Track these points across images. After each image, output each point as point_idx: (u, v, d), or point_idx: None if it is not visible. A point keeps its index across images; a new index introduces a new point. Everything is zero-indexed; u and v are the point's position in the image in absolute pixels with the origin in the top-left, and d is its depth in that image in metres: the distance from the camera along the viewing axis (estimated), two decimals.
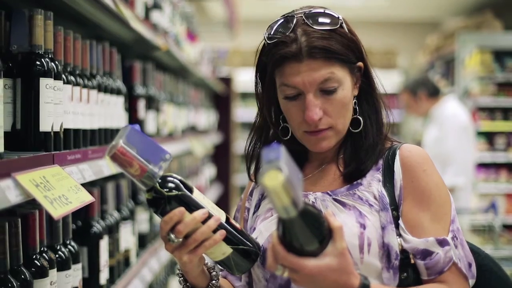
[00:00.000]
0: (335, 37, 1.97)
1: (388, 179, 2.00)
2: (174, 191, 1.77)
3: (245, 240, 1.86)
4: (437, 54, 10.84)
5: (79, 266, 2.47)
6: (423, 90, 6.84)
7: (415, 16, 14.75)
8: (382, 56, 13.56)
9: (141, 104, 3.67)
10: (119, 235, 3.10)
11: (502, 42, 9.42)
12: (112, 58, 3.05)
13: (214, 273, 2.01)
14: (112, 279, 3.00)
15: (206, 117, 7.42)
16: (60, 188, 1.93)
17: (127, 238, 3.25)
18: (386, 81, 12.92)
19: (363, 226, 1.93)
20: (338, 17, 2.01)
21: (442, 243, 1.93)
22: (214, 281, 2.00)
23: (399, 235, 1.95)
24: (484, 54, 9.29)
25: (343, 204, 1.99)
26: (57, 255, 2.30)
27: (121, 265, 3.15)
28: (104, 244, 2.80)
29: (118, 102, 3.04)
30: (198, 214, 1.80)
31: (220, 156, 9.01)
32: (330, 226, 1.70)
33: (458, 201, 6.58)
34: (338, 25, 1.99)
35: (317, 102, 1.97)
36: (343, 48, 1.98)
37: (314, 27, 1.97)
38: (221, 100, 9.20)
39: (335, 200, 2.01)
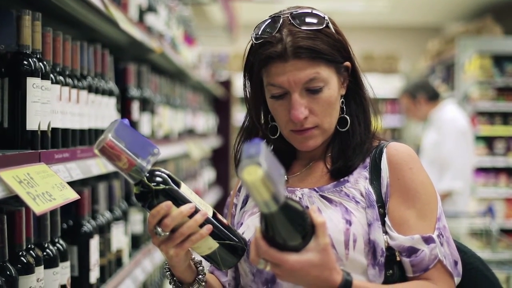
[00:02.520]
0: (321, 37, 2.00)
1: (375, 177, 2.02)
2: (161, 185, 1.78)
3: (231, 236, 1.87)
4: (438, 59, 10.87)
5: (67, 264, 2.49)
6: (423, 94, 6.85)
7: (417, 21, 14.78)
8: (383, 61, 13.59)
9: (135, 106, 3.70)
10: (110, 235, 3.12)
11: (502, 47, 9.44)
12: (104, 59, 3.08)
13: (201, 267, 2.02)
14: (103, 278, 3.02)
15: (205, 121, 7.44)
16: (45, 185, 1.96)
17: (119, 238, 3.27)
18: (388, 85, 12.96)
19: (349, 223, 1.95)
20: (324, 17, 2.03)
21: (427, 240, 1.94)
22: (200, 276, 2.01)
23: (386, 232, 1.96)
24: (484, 59, 9.32)
25: (329, 200, 2.01)
26: (44, 253, 2.33)
27: (112, 265, 3.18)
28: (94, 244, 2.82)
29: (109, 103, 3.07)
30: (185, 208, 1.81)
31: (220, 159, 9.02)
32: (313, 222, 1.71)
33: (456, 205, 6.60)
34: (324, 25, 2.01)
35: (303, 101, 1.99)
36: (329, 48, 2.00)
37: (300, 27, 1.99)
38: (220, 103, 9.22)
39: (322, 196, 2.03)
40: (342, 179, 2.05)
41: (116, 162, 1.74)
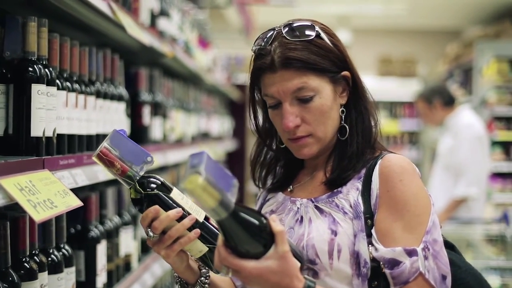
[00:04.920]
0: (309, 48, 2.03)
1: (366, 188, 2.03)
2: (150, 190, 1.90)
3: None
4: (456, 63, 10.83)
5: (72, 269, 2.50)
6: (439, 99, 6.82)
7: (435, 24, 14.72)
8: (401, 65, 13.55)
9: (146, 111, 3.70)
10: (118, 240, 3.13)
11: None
12: (114, 64, 3.09)
13: (204, 270, 2.07)
14: (110, 283, 3.03)
15: (220, 124, 7.45)
16: (47, 193, 1.96)
17: (128, 243, 3.28)
18: (405, 89, 12.94)
19: (334, 233, 1.98)
20: (315, 28, 2.06)
21: (411, 253, 1.92)
22: (202, 278, 2.06)
23: (371, 243, 1.96)
24: (501, 63, 9.27)
25: (321, 211, 2.05)
26: (49, 258, 2.34)
27: (120, 270, 3.18)
28: (101, 249, 2.83)
29: (119, 108, 3.08)
30: (172, 212, 1.91)
31: (235, 162, 9.03)
32: (272, 230, 1.74)
33: (471, 211, 6.57)
34: (313, 36, 2.04)
35: (293, 110, 2.04)
36: (318, 58, 2.04)
37: (290, 38, 2.04)
38: (236, 106, 9.23)
39: (316, 206, 2.07)
40: (335, 190, 2.07)
41: (110, 168, 1.89)
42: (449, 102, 6.91)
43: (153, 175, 1.94)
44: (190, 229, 1.93)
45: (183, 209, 1.92)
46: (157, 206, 1.89)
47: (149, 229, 1.93)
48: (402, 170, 2.02)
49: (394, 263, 1.92)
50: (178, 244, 1.93)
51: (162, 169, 4.37)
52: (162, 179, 1.94)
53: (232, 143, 8.59)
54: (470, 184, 6.52)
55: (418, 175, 2.05)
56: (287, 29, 2.06)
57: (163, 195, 1.91)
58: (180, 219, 1.92)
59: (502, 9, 12.37)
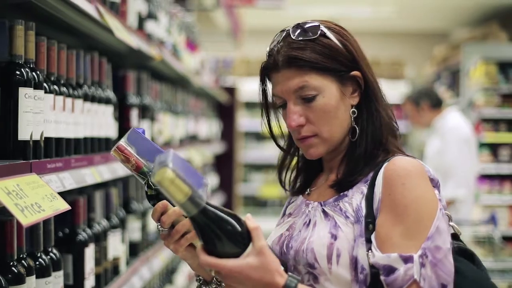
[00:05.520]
0: (312, 47, 2.02)
1: (371, 192, 1.99)
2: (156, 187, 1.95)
3: None
4: (443, 65, 10.86)
5: (60, 273, 2.49)
6: (426, 101, 6.84)
7: (423, 27, 14.76)
8: (389, 67, 13.57)
9: (134, 114, 3.69)
10: (107, 243, 3.12)
11: (507, 54, 9.43)
12: (102, 67, 3.09)
13: None
14: (98, 287, 3.02)
15: (208, 126, 7.44)
16: (34, 196, 1.96)
17: (116, 246, 3.27)
18: (393, 91, 13.01)
19: (334, 237, 1.96)
20: (320, 27, 2.05)
21: (407, 260, 1.86)
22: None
23: (371, 249, 1.92)
24: (489, 65, 9.30)
25: (326, 214, 2.03)
26: (37, 262, 2.33)
27: (108, 273, 3.17)
28: (89, 252, 2.82)
29: (106, 111, 3.07)
30: (177, 208, 1.92)
31: (223, 165, 9.02)
32: (248, 228, 1.76)
33: (459, 213, 6.59)
34: (317, 35, 2.03)
35: (296, 109, 2.04)
36: (321, 57, 2.02)
37: (294, 38, 2.04)
38: (225, 109, 9.23)
39: (322, 210, 2.05)
40: (342, 193, 2.05)
41: (126, 163, 1.97)
42: (437, 104, 6.93)
43: None
44: None
45: None
46: (165, 201, 1.95)
47: (159, 224, 1.98)
48: (405, 173, 1.95)
49: (389, 269, 1.87)
50: (185, 239, 1.98)
51: None
52: None
53: (220, 145, 8.58)
54: (458, 186, 6.54)
55: (425, 179, 1.97)
56: (293, 29, 2.06)
57: None
58: None
59: (490, 12, 12.42)
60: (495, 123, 9.35)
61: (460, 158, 6.58)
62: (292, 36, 2.05)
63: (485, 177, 9.22)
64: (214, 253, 1.74)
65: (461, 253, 2.00)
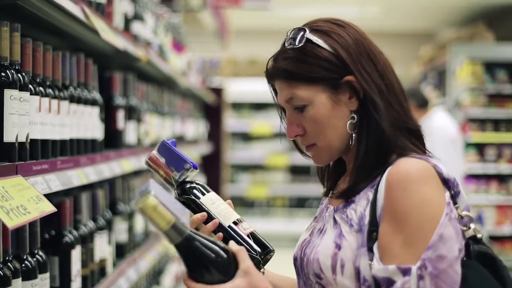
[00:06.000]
0: (298, 56, 1.97)
1: (375, 198, 1.89)
2: (185, 195, 2.09)
3: (246, 245, 2.02)
4: (430, 65, 10.89)
5: (46, 275, 2.48)
6: (412, 101, 6.86)
7: (410, 27, 14.80)
8: None
9: (120, 115, 3.69)
10: (93, 245, 3.11)
11: (493, 54, 9.46)
12: (88, 68, 3.08)
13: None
14: None
15: (195, 127, 7.44)
16: (20, 199, 1.95)
17: (103, 248, 3.26)
18: None
19: (338, 247, 1.90)
20: (305, 33, 1.99)
21: (405, 272, 1.78)
22: None
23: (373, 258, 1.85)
24: (475, 66, 9.34)
25: (335, 221, 1.97)
26: (23, 265, 2.32)
27: (95, 275, 3.16)
28: (76, 254, 2.81)
29: (93, 113, 3.06)
30: (197, 216, 2.04)
31: (210, 166, 9.01)
32: (233, 252, 1.78)
33: None
34: (303, 43, 1.98)
35: (293, 119, 2.01)
36: (307, 66, 1.96)
37: (286, 46, 2.01)
38: (212, 110, 9.22)
39: (334, 216, 1.99)
40: (349, 200, 1.97)
41: (157, 172, 2.11)
42: (423, 104, 6.96)
43: (195, 180, 2.12)
44: (216, 232, 2.03)
45: (209, 213, 2.05)
46: (187, 210, 2.02)
47: None
48: (407, 178, 1.85)
49: (388, 282, 1.79)
50: None
51: (136, 173, 4.35)
52: (201, 184, 2.12)
53: (207, 146, 8.58)
54: None
55: (430, 182, 1.85)
56: (289, 34, 2.03)
57: (194, 200, 2.08)
58: (206, 222, 2.04)
59: (476, 12, 12.46)
60: (481, 123, 9.39)
61: (446, 158, 6.56)
62: (285, 43, 2.01)
63: (472, 177, 9.26)
64: (202, 280, 1.76)
65: (481, 258, 1.86)
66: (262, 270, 2.05)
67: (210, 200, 2.08)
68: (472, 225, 1.89)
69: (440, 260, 1.77)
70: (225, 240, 1.98)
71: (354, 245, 1.88)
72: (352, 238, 1.90)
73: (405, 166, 1.87)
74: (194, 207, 2.07)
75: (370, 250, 1.85)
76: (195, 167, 2.09)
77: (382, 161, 1.93)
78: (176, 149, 2.11)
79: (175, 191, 2.11)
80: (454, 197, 1.89)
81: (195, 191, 2.09)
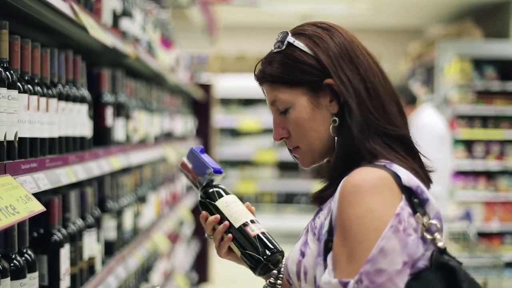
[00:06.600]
0: (279, 60, 2.02)
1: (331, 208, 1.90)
2: (204, 198, 2.26)
3: (251, 246, 2.14)
4: (418, 61, 10.90)
5: (35, 274, 2.46)
6: (401, 98, 6.84)
7: (398, 23, 14.80)
8: None
9: (109, 112, 3.67)
10: (82, 243, 3.09)
11: (481, 50, 9.47)
12: (76, 66, 3.06)
13: (275, 271, 2.15)
14: (74, 287, 2.99)
15: (184, 124, 7.42)
16: (8, 198, 1.93)
17: (92, 246, 3.24)
18: None
19: (302, 254, 1.95)
20: (287, 36, 2.02)
21: (344, 286, 1.76)
22: (271, 279, 2.15)
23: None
24: (464, 62, 9.34)
25: (307, 228, 2.02)
26: (11, 264, 2.30)
27: (84, 273, 3.15)
28: (64, 252, 2.79)
29: (81, 110, 3.05)
30: (211, 218, 2.19)
31: None
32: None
33: None
34: (284, 46, 2.01)
35: (279, 122, 2.05)
36: (287, 70, 2.00)
37: (272, 49, 2.06)
38: (200, 106, 9.20)
39: (309, 223, 2.03)
40: (319, 207, 2.00)
41: (187, 176, 2.33)
42: (411, 100, 6.95)
43: (218, 184, 2.29)
44: (226, 233, 2.17)
45: (222, 215, 2.20)
46: (204, 212, 2.25)
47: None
48: (353, 189, 1.82)
49: None
50: (221, 245, 2.17)
51: (125, 170, 4.33)
52: (222, 188, 2.28)
53: (195, 142, 8.56)
54: (433, 182, 6.55)
55: (378, 193, 1.81)
56: (278, 37, 2.06)
57: (210, 202, 2.25)
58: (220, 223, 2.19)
59: (464, 9, 12.47)
60: (469, 120, 9.40)
61: (434, 155, 6.58)
62: (273, 47, 2.06)
63: (460, 173, 9.27)
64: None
65: (440, 269, 1.82)
66: (276, 269, 2.14)
67: (224, 203, 2.24)
68: (436, 235, 1.85)
69: (379, 274, 1.74)
70: (236, 241, 2.16)
71: (315, 253, 1.91)
72: (314, 246, 1.93)
73: (357, 176, 1.84)
74: (212, 208, 2.23)
75: (325, 259, 1.86)
76: (219, 172, 2.26)
77: (351, 167, 1.90)
78: (202, 155, 2.29)
79: (200, 193, 2.27)
80: (421, 205, 1.86)
81: (213, 194, 2.25)
